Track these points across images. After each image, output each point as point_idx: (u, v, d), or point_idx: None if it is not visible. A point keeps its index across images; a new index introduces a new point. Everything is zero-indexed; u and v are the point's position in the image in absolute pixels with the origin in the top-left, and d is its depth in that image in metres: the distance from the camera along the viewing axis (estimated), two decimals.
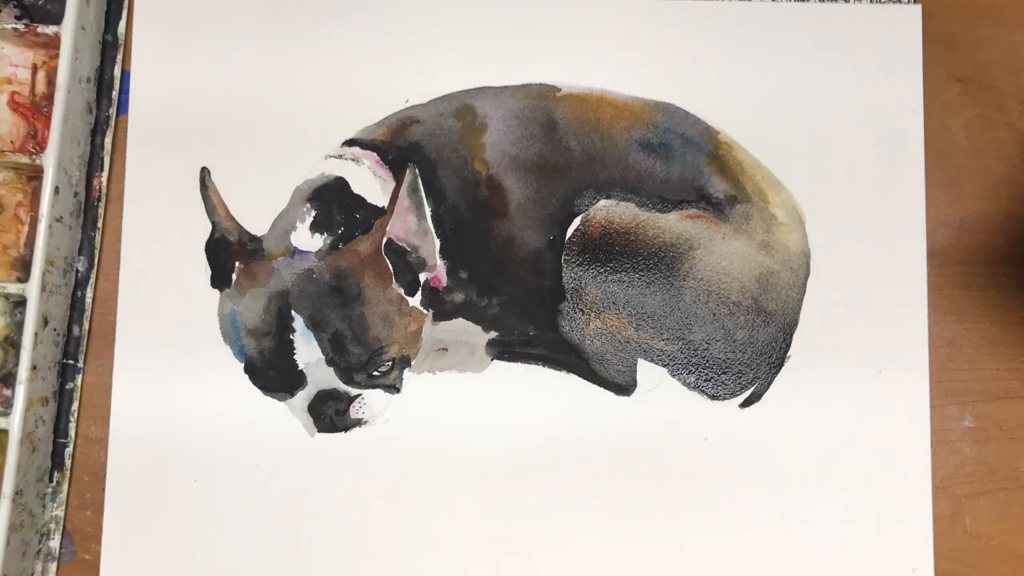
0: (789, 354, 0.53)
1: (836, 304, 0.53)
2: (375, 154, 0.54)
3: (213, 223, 0.54)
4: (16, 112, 0.56)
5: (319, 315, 0.53)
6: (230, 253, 0.54)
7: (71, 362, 0.54)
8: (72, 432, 0.54)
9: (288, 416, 0.53)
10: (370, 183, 0.54)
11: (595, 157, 0.54)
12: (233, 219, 0.54)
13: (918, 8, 0.55)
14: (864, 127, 0.55)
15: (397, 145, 0.54)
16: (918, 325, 0.53)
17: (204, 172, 0.54)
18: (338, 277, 0.53)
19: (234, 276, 0.54)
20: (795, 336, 0.53)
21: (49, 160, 0.52)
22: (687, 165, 0.54)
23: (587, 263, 0.54)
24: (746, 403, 0.53)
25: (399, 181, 0.54)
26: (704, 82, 0.55)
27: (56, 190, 0.52)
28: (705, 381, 0.53)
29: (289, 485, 0.53)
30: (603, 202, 0.54)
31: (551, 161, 0.54)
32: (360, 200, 0.54)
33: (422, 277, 0.53)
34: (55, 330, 0.53)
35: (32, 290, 0.51)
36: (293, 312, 0.53)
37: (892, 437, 0.53)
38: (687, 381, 0.53)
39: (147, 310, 0.54)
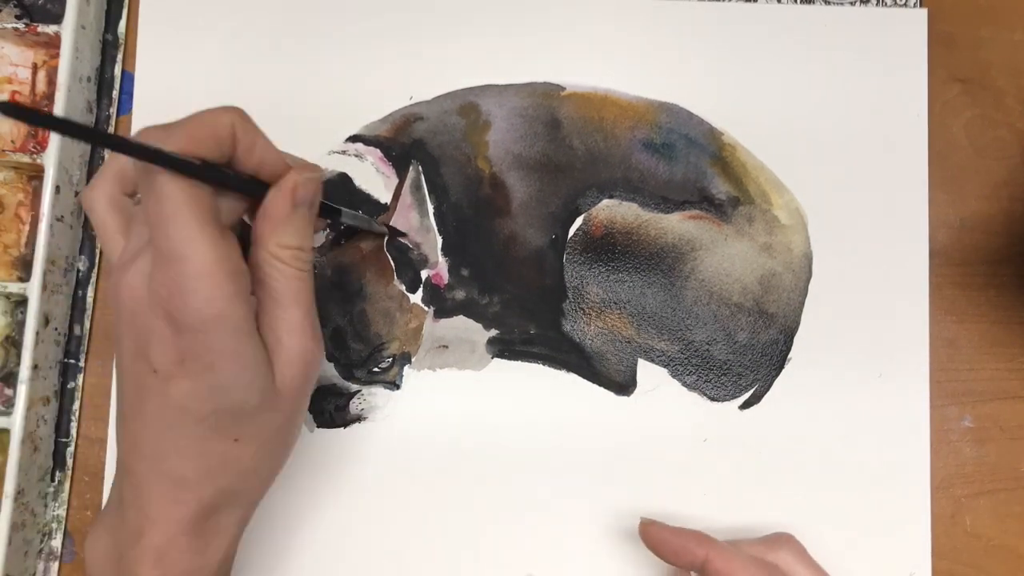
0: (790, 356, 0.53)
1: (837, 307, 0.53)
2: (379, 150, 0.54)
3: None
4: None
5: (320, 310, 0.52)
6: None
7: (72, 361, 0.54)
8: (74, 431, 0.54)
9: None
10: (373, 179, 0.54)
11: (598, 157, 0.54)
12: None
13: (924, 12, 0.55)
14: (868, 130, 0.55)
15: (400, 142, 0.54)
16: (919, 328, 0.53)
17: None
18: (340, 273, 0.53)
19: None
20: (796, 338, 0.53)
21: (50, 159, 0.51)
22: (690, 166, 0.54)
23: (589, 262, 0.54)
24: (746, 405, 0.53)
25: (402, 178, 0.54)
26: (709, 83, 0.55)
27: (57, 189, 0.52)
28: (705, 382, 0.53)
29: (287, 480, 0.53)
30: (606, 202, 0.54)
31: (554, 160, 0.54)
32: (363, 196, 0.54)
33: (424, 274, 0.53)
34: (56, 329, 0.53)
35: (33, 289, 0.51)
36: None
37: (892, 438, 0.53)
38: (687, 382, 0.53)
39: None
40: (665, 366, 0.53)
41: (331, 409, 0.53)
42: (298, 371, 0.40)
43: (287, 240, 0.40)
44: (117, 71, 0.56)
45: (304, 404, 0.42)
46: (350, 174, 0.54)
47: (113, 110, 0.56)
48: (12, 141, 0.55)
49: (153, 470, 0.39)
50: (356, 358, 0.53)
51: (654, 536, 0.47)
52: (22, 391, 0.50)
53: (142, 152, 0.34)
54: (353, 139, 0.55)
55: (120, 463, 0.41)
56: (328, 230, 0.53)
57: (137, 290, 0.38)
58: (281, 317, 0.40)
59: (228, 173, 0.38)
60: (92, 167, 0.55)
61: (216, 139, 0.37)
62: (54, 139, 0.51)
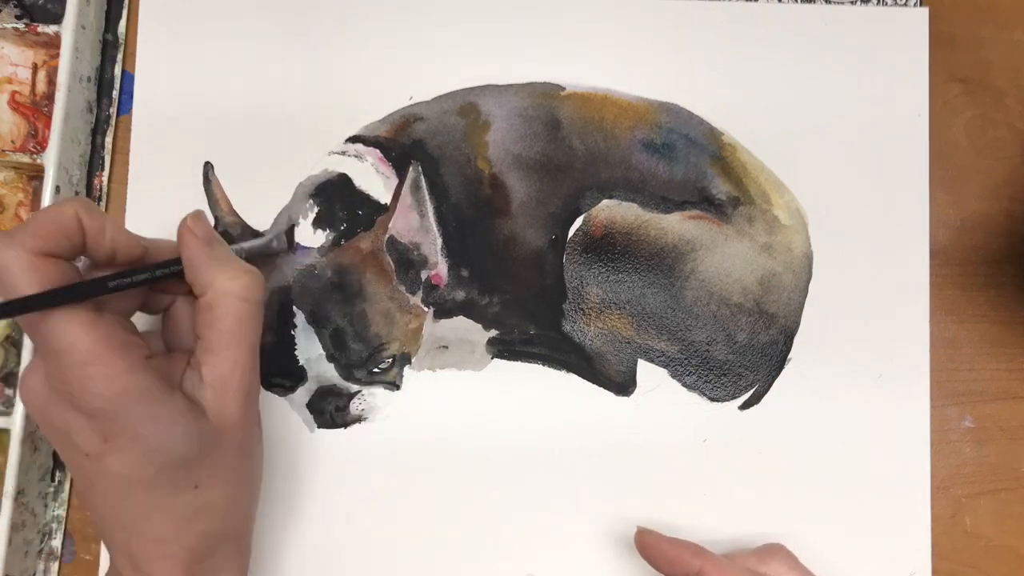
0: (790, 356, 0.53)
1: (837, 307, 0.53)
2: (378, 151, 0.54)
3: (216, 217, 0.54)
4: (17, 112, 0.55)
5: (320, 311, 0.53)
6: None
7: None
8: None
9: (288, 411, 0.53)
10: (373, 180, 0.54)
11: (598, 157, 0.54)
12: (236, 214, 0.54)
13: (925, 11, 0.55)
14: (868, 130, 0.55)
15: (400, 142, 0.54)
16: (919, 328, 0.53)
17: (207, 167, 0.54)
18: (340, 274, 0.53)
19: None
20: (796, 338, 0.53)
21: (50, 159, 0.51)
22: (690, 166, 0.54)
23: (589, 263, 0.54)
24: (746, 405, 0.53)
25: (402, 178, 0.54)
26: (709, 83, 0.55)
27: (57, 189, 0.52)
28: (705, 383, 0.53)
29: (288, 481, 0.53)
30: (606, 202, 0.54)
31: (554, 160, 0.54)
32: (363, 197, 0.54)
33: (423, 274, 0.53)
34: None
35: None
36: (294, 308, 0.53)
37: (892, 438, 0.53)
38: (687, 382, 0.53)
39: None
40: (665, 366, 0.53)
41: (331, 410, 0.53)
42: (240, 404, 0.41)
43: (234, 273, 0.41)
44: (117, 71, 0.56)
45: (254, 431, 0.43)
46: (350, 174, 0.54)
47: (113, 110, 0.56)
48: (12, 141, 0.55)
49: (132, 536, 0.40)
50: (356, 359, 0.53)
51: (650, 546, 0.48)
52: None
53: (29, 305, 0.36)
54: (353, 139, 0.55)
55: (101, 535, 0.42)
56: (327, 231, 0.53)
57: (40, 391, 0.39)
58: (226, 356, 0.40)
59: (119, 281, 0.39)
60: (92, 167, 0.55)
61: (63, 231, 0.38)
62: (54, 139, 0.51)
